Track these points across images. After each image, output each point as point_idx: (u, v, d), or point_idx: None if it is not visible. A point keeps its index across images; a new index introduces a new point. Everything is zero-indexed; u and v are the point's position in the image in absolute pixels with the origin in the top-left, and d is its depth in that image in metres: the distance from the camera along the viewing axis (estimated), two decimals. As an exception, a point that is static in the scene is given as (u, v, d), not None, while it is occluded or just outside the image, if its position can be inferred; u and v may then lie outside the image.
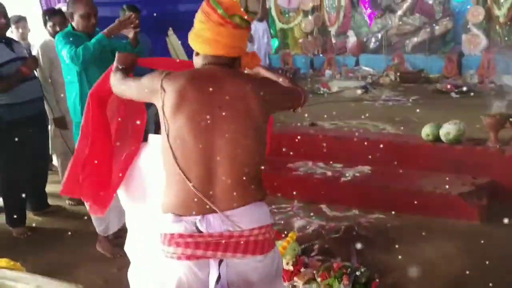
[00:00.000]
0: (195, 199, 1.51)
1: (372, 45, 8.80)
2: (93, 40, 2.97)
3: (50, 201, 4.11)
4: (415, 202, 3.40)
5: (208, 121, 1.54)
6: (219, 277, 1.54)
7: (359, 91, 6.75)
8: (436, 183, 3.66)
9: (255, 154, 1.58)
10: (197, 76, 1.61)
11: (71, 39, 3.01)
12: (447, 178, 3.66)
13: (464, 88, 6.36)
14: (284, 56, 9.11)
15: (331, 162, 4.31)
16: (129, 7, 4.47)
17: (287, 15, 9.39)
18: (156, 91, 1.59)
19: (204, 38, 1.62)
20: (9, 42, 3.62)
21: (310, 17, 9.16)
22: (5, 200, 3.76)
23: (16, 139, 3.46)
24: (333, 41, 8.95)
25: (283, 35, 9.55)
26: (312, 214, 3.69)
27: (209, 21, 1.59)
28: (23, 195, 3.65)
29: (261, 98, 1.58)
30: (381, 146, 4.10)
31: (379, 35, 8.66)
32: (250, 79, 1.66)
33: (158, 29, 6.03)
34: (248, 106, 1.57)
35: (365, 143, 4.25)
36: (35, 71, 3.76)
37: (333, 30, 8.99)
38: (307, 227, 3.49)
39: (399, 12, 8.48)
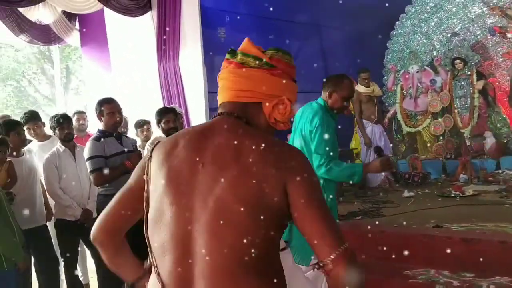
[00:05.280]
0: None
1: (515, 146, 7.78)
2: (347, 166, 2.70)
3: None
4: None
5: (188, 183, 1.18)
6: None
7: (499, 195, 5.79)
8: None
9: (248, 233, 1.12)
10: (190, 131, 1.31)
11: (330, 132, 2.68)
12: None
13: None
14: (412, 160, 8.46)
15: (459, 271, 3.54)
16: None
17: (414, 119, 8.91)
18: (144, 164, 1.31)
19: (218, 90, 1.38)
20: (119, 137, 3.85)
21: (440, 119, 8.55)
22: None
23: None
24: (468, 143, 8.12)
25: (411, 139, 8.98)
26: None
27: (221, 70, 1.37)
28: None
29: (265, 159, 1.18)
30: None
31: (523, 135, 7.66)
32: (252, 134, 1.25)
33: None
34: (241, 162, 1.17)
35: (504, 248, 3.45)
36: None
37: (466, 132, 8.21)
38: None
39: (546, 108, 7.50)
